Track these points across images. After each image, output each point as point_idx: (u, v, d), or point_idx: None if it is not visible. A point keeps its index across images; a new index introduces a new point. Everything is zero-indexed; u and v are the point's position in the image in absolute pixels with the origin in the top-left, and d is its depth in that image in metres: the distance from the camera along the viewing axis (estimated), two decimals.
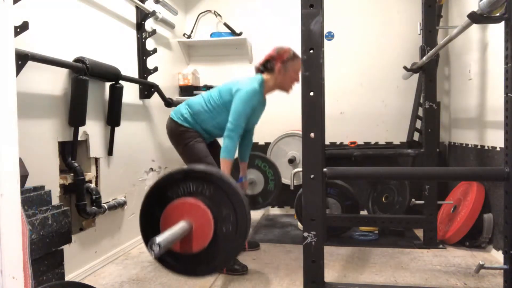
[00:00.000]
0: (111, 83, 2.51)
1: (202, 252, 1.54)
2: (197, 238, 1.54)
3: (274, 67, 2.36)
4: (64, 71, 2.16)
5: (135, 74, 2.96)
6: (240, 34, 3.78)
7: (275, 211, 3.90)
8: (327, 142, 3.44)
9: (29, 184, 1.73)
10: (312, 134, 1.58)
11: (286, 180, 3.57)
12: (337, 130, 3.67)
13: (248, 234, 1.59)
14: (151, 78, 3.07)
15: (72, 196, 2.27)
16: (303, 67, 1.57)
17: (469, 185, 2.74)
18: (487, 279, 2.13)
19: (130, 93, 2.86)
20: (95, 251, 2.42)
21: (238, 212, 1.54)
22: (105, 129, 2.53)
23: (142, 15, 3.00)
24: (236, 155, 2.53)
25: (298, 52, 1.68)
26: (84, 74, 2.17)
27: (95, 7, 2.47)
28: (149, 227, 1.58)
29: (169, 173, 1.61)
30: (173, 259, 1.58)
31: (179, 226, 1.48)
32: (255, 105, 2.33)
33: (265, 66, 2.40)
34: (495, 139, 2.48)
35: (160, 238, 1.34)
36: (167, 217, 1.55)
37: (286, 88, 2.44)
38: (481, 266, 1.61)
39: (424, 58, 2.58)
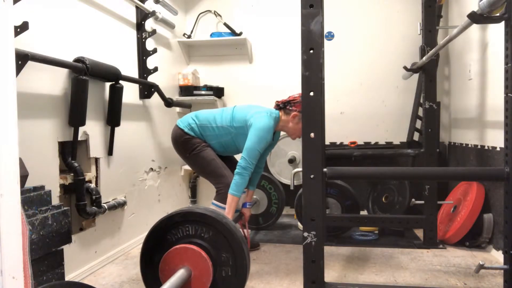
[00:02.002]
0: (111, 83, 2.51)
1: None
2: (196, 285, 1.56)
3: (291, 112, 2.39)
4: (64, 71, 2.16)
5: (135, 74, 2.96)
6: (240, 34, 3.78)
7: None
8: (327, 142, 3.44)
9: (29, 184, 1.73)
10: (312, 134, 1.58)
11: (286, 180, 3.57)
12: (337, 130, 3.67)
13: (247, 278, 1.60)
14: (151, 78, 3.07)
15: (72, 196, 2.27)
16: (303, 67, 1.57)
17: (469, 185, 2.74)
18: (487, 279, 2.13)
19: (130, 93, 2.86)
20: (95, 251, 2.42)
21: (237, 255, 1.56)
22: (105, 129, 2.53)
23: (142, 15, 3.00)
24: None
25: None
26: (84, 74, 2.17)
27: (95, 7, 2.47)
28: (149, 271, 1.62)
29: (168, 216, 1.64)
30: None
31: (178, 276, 1.50)
32: (269, 141, 2.36)
33: (285, 106, 2.43)
34: (495, 139, 2.48)
35: None
36: (166, 263, 1.58)
37: (292, 135, 2.49)
38: (481, 266, 1.61)
39: (424, 58, 2.58)
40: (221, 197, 2.35)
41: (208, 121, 2.44)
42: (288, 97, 2.45)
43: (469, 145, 2.92)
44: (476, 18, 1.62)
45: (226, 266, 1.57)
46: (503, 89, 1.61)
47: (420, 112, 3.27)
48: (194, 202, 3.94)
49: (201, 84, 3.85)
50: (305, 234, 1.62)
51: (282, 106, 2.44)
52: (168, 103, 3.26)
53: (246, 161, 2.26)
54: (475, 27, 2.71)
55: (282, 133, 3.54)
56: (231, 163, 2.53)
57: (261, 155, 2.50)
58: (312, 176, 1.60)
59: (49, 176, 2.05)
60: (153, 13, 3.05)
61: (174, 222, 1.63)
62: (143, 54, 3.01)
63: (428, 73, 2.68)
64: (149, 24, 3.12)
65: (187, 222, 1.62)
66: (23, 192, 1.63)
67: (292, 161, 3.53)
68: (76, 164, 2.19)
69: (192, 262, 1.55)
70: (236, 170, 2.26)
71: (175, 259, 1.57)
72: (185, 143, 2.44)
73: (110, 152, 2.55)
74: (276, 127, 2.44)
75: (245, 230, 2.64)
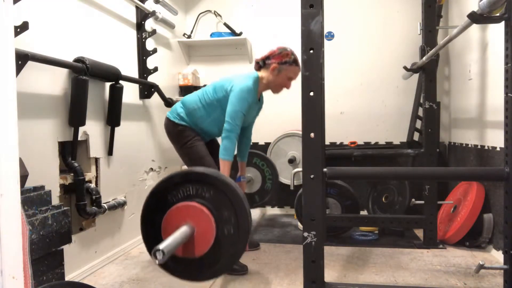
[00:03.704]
0: (111, 83, 2.51)
1: (204, 255, 1.54)
2: (199, 241, 1.53)
3: (270, 65, 2.34)
4: (64, 71, 2.16)
5: (135, 74, 2.96)
6: (240, 34, 3.78)
7: (275, 211, 3.90)
8: (327, 142, 3.44)
9: (29, 184, 1.73)
10: (312, 134, 1.58)
11: (286, 180, 3.58)
12: (337, 130, 3.67)
13: (250, 235, 1.59)
14: (151, 78, 3.08)
15: (72, 196, 2.27)
16: (303, 67, 1.57)
17: (469, 185, 2.74)
18: (487, 279, 2.13)
19: (130, 93, 2.86)
20: (95, 251, 2.42)
21: (239, 213, 1.53)
22: (105, 129, 2.53)
23: (142, 15, 3.00)
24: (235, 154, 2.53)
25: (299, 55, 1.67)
26: (84, 74, 2.17)
27: (95, 7, 2.47)
28: (151, 234, 1.57)
29: (168, 177, 1.61)
30: (176, 264, 1.58)
31: (181, 231, 1.48)
32: (250, 103, 2.30)
33: (264, 62, 2.38)
34: (495, 139, 2.48)
35: (163, 245, 1.34)
36: (168, 222, 1.55)
37: (273, 89, 2.42)
38: (481, 266, 1.61)
39: (424, 58, 2.58)
40: None
41: (194, 103, 2.40)
42: (267, 52, 2.40)
43: (469, 145, 2.92)
44: (476, 18, 1.62)
45: (228, 225, 1.54)
46: (503, 89, 1.61)
47: (420, 112, 3.27)
48: None
49: (201, 84, 3.85)
50: (305, 234, 1.62)
51: (262, 63, 2.39)
52: (168, 103, 3.26)
53: (230, 124, 2.22)
54: (475, 27, 2.71)
55: (282, 133, 3.55)
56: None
57: (247, 123, 2.46)
58: (312, 176, 1.60)
59: (49, 176, 2.05)
60: (153, 13, 3.05)
61: (174, 183, 1.58)
62: (143, 54, 3.01)
63: (428, 73, 2.68)
64: (149, 24, 3.12)
65: (187, 183, 1.57)
66: (23, 192, 1.63)
67: (292, 161, 3.54)
68: (76, 164, 2.19)
69: (195, 219, 1.52)
70: (223, 135, 2.23)
71: (177, 218, 1.53)
72: (178, 135, 2.40)
73: (110, 152, 2.55)
74: (259, 87, 2.38)
75: None
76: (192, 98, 2.44)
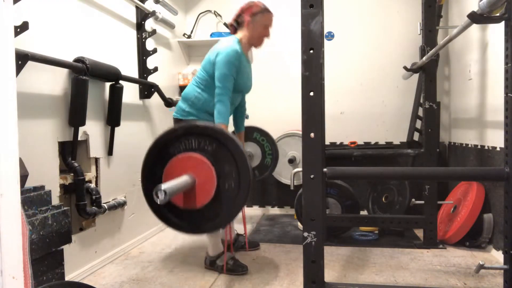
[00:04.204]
0: (111, 83, 2.51)
1: (205, 208, 1.52)
2: (200, 193, 1.52)
3: (244, 21, 2.32)
4: (64, 71, 2.16)
5: (135, 74, 2.96)
6: None
7: (275, 211, 3.90)
8: (327, 142, 3.44)
9: (29, 184, 1.73)
10: (312, 134, 1.58)
11: (286, 180, 3.58)
12: (337, 130, 3.67)
13: (250, 192, 1.56)
14: (151, 78, 3.07)
15: (72, 196, 2.27)
16: (303, 67, 1.57)
17: (469, 185, 2.74)
18: (487, 279, 2.13)
19: (130, 93, 2.86)
20: (95, 251, 2.42)
21: (240, 169, 1.52)
22: (105, 129, 2.53)
23: (142, 15, 3.00)
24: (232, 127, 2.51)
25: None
26: (84, 74, 2.17)
27: (95, 7, 2.47)
28: (151, 186, 1.51)
29: (170, 129, 1.59)
30: (177, 218, 1.57)
31: (183, 178, 1.47)
32: (238, 65, 2.26)
33: (238, 22, 2.36)
34: (495, 139, 2.48)
35: (165, 185, 1.34)
36: (169, 172, 1.53)
37: (255, 43, 2.39)
38: (481, 266, 1.61)
39: (424, 58, 2.58)
40: None
41: (193, 91, 2.36)
42: (237, 11, 2.39)
43: (469, 145, 2.92)
44: (476, 18, 1.62)
45: (230, 179, 1.53)
46: (503, 89, 1.61)
47: (420, 112, 3.27)
48: None
49: None
50: (305, 234, 1.62)
51: (236, 24, 2.38)
52: (168, 103, 3.26)
53: (220, 87, 2.20)
54: (475, 27, 2.71)
55: (282, 133, 3.55)
56: None
57: (240, 88, 2.38)
58: (312, 176, 1.60)
59: (49, 176, 2.05)
60: (153, 13, 3.05)
61: (177, 135, 1.57)
62: (143, 54, 3.01)
63: (428, 73, 2.68)
64: (149, 24, 3.12)
65: (189, 135, 1.56)
66: (23, 192, 1.63)
67: (292, 161, 3.54)
68: (76, 164, 2.19)
69: (196, 171, 1.51)
70: (215, 100, 2.21)
71: (178, 168, 1.52)
72: None
73: (110, 152, 2.55)
74: (243, 48, 2.33)
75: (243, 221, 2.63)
76: (189, 88, 2.41)
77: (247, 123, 2.66)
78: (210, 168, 1.51)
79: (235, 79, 2.25)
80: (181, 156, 1.54)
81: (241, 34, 2.35)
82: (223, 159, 1.54)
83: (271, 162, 3.18)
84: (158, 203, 1.36)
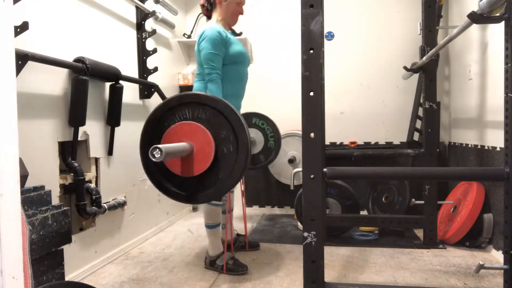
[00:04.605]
0: (111, 83, 2.51)
1: (205, 174, 1.52)
2: (200, 158, 1.52)
3: (216, 0, 2.32)
4: (64, 71, 2.16)
5: (135, 74, 2.96)
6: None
7: (275, 211, 3.90)
8: (327, 142, 3.44)
9: (29, 184, 1.73)
10: (312, 134, 1.58)
11: (286, 180, 3.58)
12: (337, 130, 3.67)
13: (250, 153, 1.56)
14: (151, 78, 3.08)
15: (72, 196, 2.27)
16: (303, 67, 1.57)
17: (469, 185, 2.74)
18: (487, 279, 2.13)
19: (130, 93, 2.86)
20: (95, 251, 2.42)
21: (237, 131, 1.52)
22: (105, 129, 2.53)
23: (142, 15, 3.00)
24: None
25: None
26: (84, 74, 2.17)
27: (95, 7, 2.47)
28: (150, 160, 1.50)
29: (163, 102, 1.59)
30: (176, 187, 1.57)
31: (180, 144, 1.47)
32: (225, 40, 2.23)
33: (210, 3, 2.35)
34: (495, 139, 2.48)
35: (161, 145, 1.34)
36: (166, 141, 1.53)
37: (230, 21, 2.38)
38: (481, 266, 1.61)
39: (424, 58, 2.58)
40: None
41: (198, 87, 2.34)
42: None
43: (469, 145, 2.92)
44: (476, 18, 1.62)
45: (227, 143, 1.53)
46: (503, 89, 1.61)
47: (420, 112, 3.27)
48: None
49: None
50: (305, 234, 1.62)
51: (208, 5, 2.36)
52: None
53: (208, 67, 2.18)
54: (475, 27, 2.71)
55: (282, 133, 3.55)
56: None
57: (240, 60, 2.33)
58: (312, 176, 1.60)
59: (49, 176, 2.05)
60: (153, 13, 3.05)
61: (170, 107, 1.58)
62: (143, 54, 3.01)
63: (428, 73, 2.68)
64: (149, 24, 3.12)
65: (183, 106, 1.57)
66: (23, 192, 1.63)
67: (292, 161, 3.53)
68: (76, 164, 2.19)
69: (193, 138, 1.52)
70: (205, 80, 2.19)
71: (175, 138, 1.52)
72: None
73: (110, 152, 2.55)
74: (224, 27, 2.32)
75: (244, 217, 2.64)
76: (196, 85, 2.38)
77: (244, 109, 2.65)
78: (206, 133, 1.51)
79: (228, 50, 2.23)
80: (175, 126, 1.54)
81: (215, 15, 2.35)
82: (219, 124, 1.54)
83: (274, 144, 3.16)
84: (154, 160, 1.35)
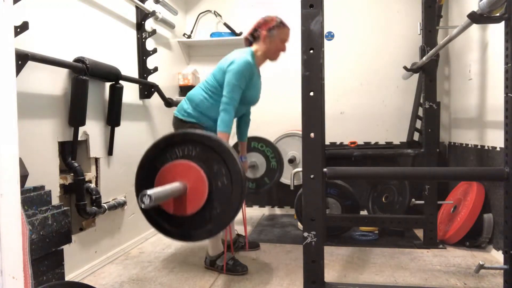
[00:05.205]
0: (111, 83, 2.51)
1: (203, 210, 1.51)
2: (193, 198, 1.51)
3: (260, 35, 2.33)
4: (64, 71, 2.16)
5: (135, 74, 2.96)
6: (240, 34, 3.78)
7: (275, 211, 3.90)
8: (327, 142, 3.44)
9: (29, 184, 1.73)
10: (312, 134, 1.58)
11: (286, 180, 3.57)
12: (337, 130, 3.67)
13: (245, 183, 1.56)
14: (151, 78, 3.07)
15: (72, 196, 2.27)
16: (303, 67, 1.57)
17: (469, 185, 2.74)
18: (487, 279, 2.13)
19: (130, 93, 2.86)
20: (95, 251, 2.42)
21: (228, 163, 1.52)
22: (105, 129, 2.53)
23: (142, 15, 3.00)
24: (235, 137, 2.51)
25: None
26: (84, 74, 2.17)
27: (95, 7, 2.47)
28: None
29: (152, 145, 1.60)
30: (174, 227, 1.56)
31: (172, 185, 1.47)
32: (249, 77, 2.27)
33: (253, 36, 2.37)
34: (495, 139, 2.48)
35: (151, 191, 1.33)
36: (159, 184, 1.53)
37: (271, 57, 2.41)
38: (481, 266, 1.61)
39: (424, 58, 2.58)
40: None
41: (199, 94, 2.37)
42: (252, 25, 2.40)
43: (469, 145, 2.92)
44: (476, 18, 1.62)
45: (221, 176, 1.53)
46: (503, 89, 1.61)
47: (420, 112, 3.27)
48: None
49: None
50: (305, 234, 1.62)
51: (251, 37, 2.39)
52: (168, 103, 3.26)
53: (227, 97, 2.20)
54: (475, 27, 2.71)
55: (282, 133, 3.55)
56: None
57: (248, 100, 2.39)
58: (312, 176, 1.60)
59: (49, 176, 2.05)
60: (153, 13, 3.05)
61: (160, 149, 1.59)
62: (143, 54, 3.01)
63: (428, 73, 2.68)
64: (149, 24, 3.12)
65: (172, 146, 1.57)
66: (23, 192, 1.63)
67: (292, 161, 3.53)
68: (76, 164, 2.19)
69: (185, 176, 1.51)
70: (220, 108, 2.21)
71: (168, 179, 1.52)
72: None
73: (110, 152, 2.55)
74: (256, 61, 2.36)
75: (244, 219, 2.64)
76: (196, 91, 2.41)
77: None
78: (198, 170, 1.51)
79: (244, 91, 2.26)
80: (167, 166, 1.55)
81: (256, 47, 2.37)
82: (210, 159, 1.54)
83: (277, 165, 3.18)
84: (143, 207, 1.35)
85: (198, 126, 2.35)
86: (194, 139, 1.56)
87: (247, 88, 2.28)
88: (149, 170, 1.60)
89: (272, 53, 2.38)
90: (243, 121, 2.62)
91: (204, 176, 1.51)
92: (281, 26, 2.33)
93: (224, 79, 2.26)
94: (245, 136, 2.68)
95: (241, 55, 2.26)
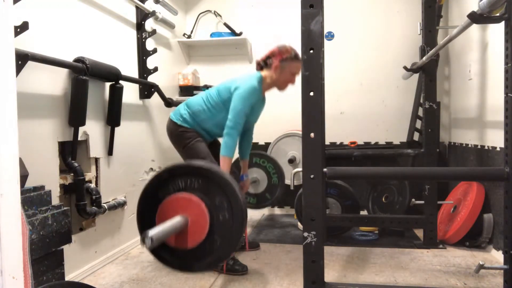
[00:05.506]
0: (111, 83, 2.51)
1: (203, 243, 1.52)
2: (194, 232, 1.52)
3: (272, 64, 2.35)
4: (64, 71, 2.16)
5: (135, 74, 2.96)
6: (240, 34, 3.78)
7: (275, 211, 3.89)
8: (327, 142, 3.44)
9: (29, 184, 1.73)
10: (312, 134, 1.58)
11: (286, 180, 3.57)
12: (337, 130, 3.67)
13: (246, 218, 1.57)
14: (151, 78, 3.07)
15: (72, 196, 2.27)
16: (303, 67, 1.57)
17: (469, 185, 2.74)
18: (487, 279, 2.13)
19: (130, 93, 2.86)
20: (95, 251, 2.42)
21: (231, 198, 1.53)
22: (105, 129, 2.53)
23: (142, 15, 3.00)
24: (237, 153, 2.53)
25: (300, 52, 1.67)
26: (84, 74, 2.17)
27: (95, 7, 2.47)
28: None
29: (155, 175, 1.62)
30: (176, 258, 1.57)
31: (173, 221, 1.48)
32: (254, 103, 2.31)
33: (265, 62, 2.39)
34: (495, 139, 2.48)
35: (152, 232, 1.34)
36: (161, 217, 1.55)
37: (279, 87, 2.43)
38: (481, 266, 1.61)
39: (424, 58, 2.58)
40: None
41: (199, 104, 2.41)
42: (267, 52, 2.41)
43: (469, 145, 2.92)
44: (476, 18, 1.62)
45: (222, 210, 1.54)
46: (503, 89, 1.61)
47: (420, 112, 3.27)
48: None
49: (201, 84, 3.85)
50: (305, 234, 1.62)
51: (263, 63, 2.41)
52: (168, 103, 3.26)
53: (232, 121, 2.23)
54: (475, 27, 2.71)
55: (282, 133, 3.55)
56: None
57: (251, 123, 2.46)
58: (312, 176, 1.60)
59: (49, 176, 2.05)
60: (153, 13, 3.05)
61: (163, 180, 1.60)
62: (143, 54, 3.01)
63: (428, 73, 2.68)
64: (149, 24, 3.12)
65: (175, 177, 1.59)
66: (23, 192, 1.63)
67: (292, 161, 3.53)
68: (76, 164, 2.19)
69: (187, 210, 1.53)
70: (224, 132, 2.24)
71: (169, 211, 1.54)
72: (179, 137, 2.42)
73: (110, 152, 2.55)
74: (263, 87, 2.39)
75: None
76: (196, 100, 2.45)
77: None
78: (199, 204, 1.53)
79: (247, 114, 2.30)
80: (169, 199, 1.56)
81: (266, 73, 2.39)
82: (212, 192, 1.56)
83: (278, 180, 3.19)
84: (146, 249, 1.37)
85: (191, 131, 2.39)
86: (197, 171, 1.58)
87: (250, 114, 2.33)
88: (151, 200, 1.62)
89: (281, 84, 2.42)
90: (245, 139, 2.64)
91: (206, 210, 1.53)
92: (294, 59, 2.34)
93: (227, 97, 2.31)
94: (247, 154, 2.70)
95: (248, 80, 2.30)
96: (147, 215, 1.61)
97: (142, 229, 1.63)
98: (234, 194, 1.53)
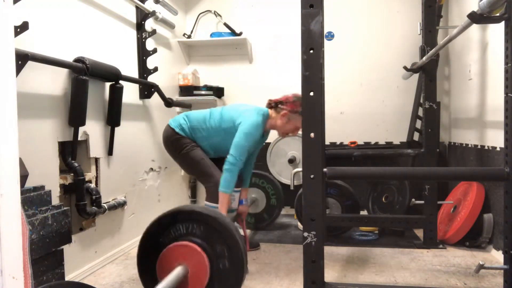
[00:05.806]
0: (111, 83, 2.51)
1: None
2: (194, 282, 1.54)
3: (281, 111, 2.40)
4: (64, 71, 2.16)
5: (135, 74, 2.96)
6: (240, 34, 3.78)
7: None
8: (327, 142, 3.44)
9: (29, 184, 1.73)
10: (312, 134, 1.58)
11: (286, 180, 3.58)
12: (337, 130, 3.67)
13: (245, 267, 1.59)
14: (151, 78, 3.07)
15: (72, 196, 2.27)
16: (303, 67, 1.57)
17: (469, 185, 2.74)
18: (487, 279, 2.13)
19: (130, 93, 2.86)
20: (95, 251, 2.42)
21: (231, 246, 1.55)
22: (105, 129, 2.53)
23: (142, 15, 3.00)
24: None
25: None
26: (84, 74, 2.17)
27: (95, 7, 2.47)
28: (147, 274, 1.61)
29: (157, 219, 1.63)
30: None
31: (174, 274, 1.49)
32: (257, 138, 2.36)
33: (277, 105, 2.43)
34: (495, 139, 2.48)
35: None
36: (161, 264, 1.57)
37: (280, 132, 2.49)
38: (481, 266, 1.61)
39: (424, 58, 2.58)
40: (212, 196, 2.36)
41: (198, 122, 2.44)
42: (282, 96, 2.45)
43: (469, 145, 2.92)
44: (476, 18, 1.62)
45: (223, 258, 1.56)
46: (503, 89, 1.61)
47: (420, 112, 3.27)
48: (194, 202, 3.94)
49: (201, 84, 3.85)
50: (305, 234, 1.62)
51: (274, 105, 2.44)
52: (168, 103, 3.26)
53: (234, 157, 2.25)
54: (475, 27, 2.71)
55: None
56: (222, 164, 2.52)
57: (251, 153, 2.50)
58: (312, 176, 1.60)
59: (49, 176, 2.05)
60: (153, 13, 3.05)
61: (164, 225, 1.62)
62: (143, 54, 3.01)
63: (428, 73, 2.68)
64: (149, 24, 3.12)
65: (177, 222, 1.61)
66: (23, 192, 1.63)
67: (292, 161, 3.54)
68: (76, 164, 2.19)
69: (188, 259, 1.54)
70: (225, 167, 2.26)
71: (170, 259, 1.55)
72: (175, 142, 2.44)
73: (110, 152, 2.55)
74: (265, 124, 2.43)
75: (243, 229, 2.65)
76: (198, 116, 2.48)
77: None
78: (201, 254, 1.54)
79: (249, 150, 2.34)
80: (170, 247, 1.57)
81: (273, 114, 2.44)
82: (213, 239, 1.58)
83: (277, 202, 3.20)
84: None
85: (188, 140, 2.42)
86: (199, 218, 1.59)
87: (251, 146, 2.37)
88: (152, 244, 1.63)
89: (283, 131, 2.47)
90: (247, 168, 2.64)
91: (206, 260, 1.54)
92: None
93: (228, 127, 2.36)
94: (247, 183, 2.73)
95: (255, 116, 2.34)
96: (147, 259, 1.62)
97: (142, 272, 1.63)
98: (235, 243, 1.55)
